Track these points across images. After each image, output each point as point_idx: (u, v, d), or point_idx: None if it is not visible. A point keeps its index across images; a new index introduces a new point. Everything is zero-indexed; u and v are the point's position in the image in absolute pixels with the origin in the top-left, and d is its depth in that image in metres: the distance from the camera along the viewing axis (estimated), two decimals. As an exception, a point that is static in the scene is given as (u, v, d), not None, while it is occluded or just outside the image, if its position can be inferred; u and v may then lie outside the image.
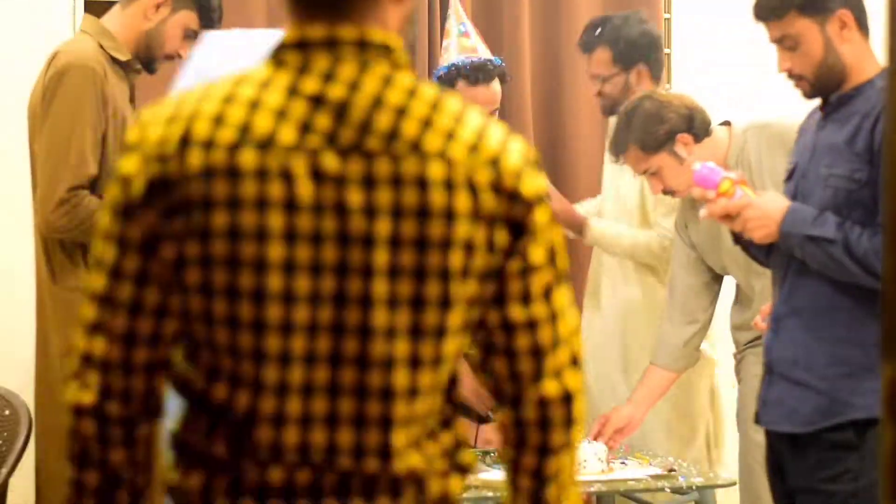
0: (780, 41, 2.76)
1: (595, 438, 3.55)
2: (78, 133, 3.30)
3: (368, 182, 1.47)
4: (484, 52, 4.27)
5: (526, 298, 1.54)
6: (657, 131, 3.42)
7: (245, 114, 1.48)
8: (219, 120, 1.48)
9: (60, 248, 3.24)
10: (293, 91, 1.48)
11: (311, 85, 1.49)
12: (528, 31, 4.73)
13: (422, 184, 1.47)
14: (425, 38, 4.58)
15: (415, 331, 1.50)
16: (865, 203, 2.69)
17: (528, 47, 4.71)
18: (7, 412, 3.44)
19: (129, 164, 1.50)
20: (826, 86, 2.75)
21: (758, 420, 2.89)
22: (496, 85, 4.19)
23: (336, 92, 1.48)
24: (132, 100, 3.52)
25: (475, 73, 4.15)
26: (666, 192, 3.54)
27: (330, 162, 1.47)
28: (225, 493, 1.52)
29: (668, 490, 3.46)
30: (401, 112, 1.49)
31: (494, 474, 3.39)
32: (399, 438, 1.52)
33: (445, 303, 1.50)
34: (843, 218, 2.68)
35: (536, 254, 1.54)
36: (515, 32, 4.67)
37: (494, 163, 1.51)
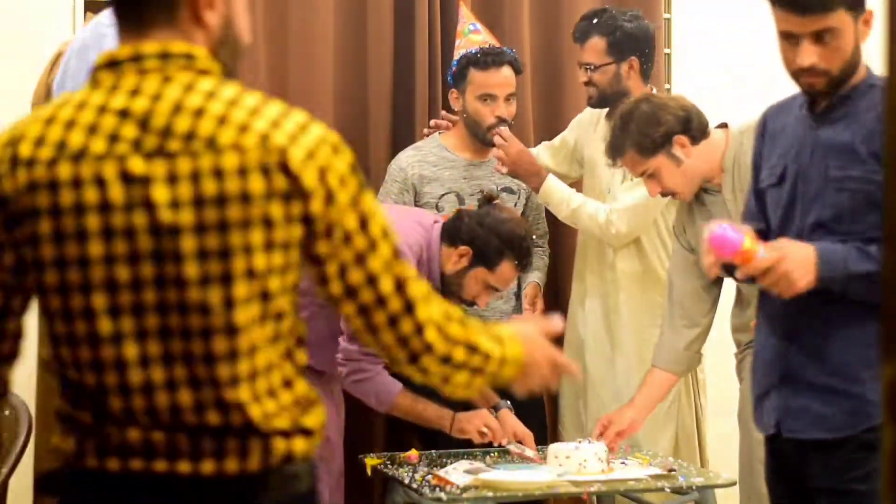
0: (817, 35, 2.64)
1: (597, 439, 3.56)
2: None
3: (172, 179, 1.70)
4: (495, 45, 4.28)
5: (343, 273, 1.79)
6: (654, 134, 3.41)
7: (62, 132, 1.72)
8: (39, 141, 1.73)
9: None
10: (103, 109, 1.73)
11: (118, 101, 1.73)
12: (528, 29, 4.73)
13: (218, 174, 1.70)
14: (425, 40, 4.57)
15: (227, 303, 1.72)
16: (881, 205, 2.60)
17: (528, 44, 4.71)
18: (7, 412, 3.44)
19: None
20: (842, 82, 2.68)
21: (777, 429, 2.78)
22: (508, 70, 4.19)
23: (140, 105, 1.72)
24: None
25: (484, 58, 4.16)
26: (664, 193, 3.54)
27: (136, 165, 1.70)
28: (94, 454, 1.75)
29: (668, 490, 3.46)
30: (198, 113, 1.72)
31: (495, 474, 3.40)
32: (230, 394, 1.73)
33: (251, 274, 1.72)
34: (857, 221, 2.61)
35: (338, 235, 1.77)
36: (515, 29, 4.67)
37: (281, 152, 1.72)
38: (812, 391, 2.71)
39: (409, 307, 1.82)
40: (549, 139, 4.57)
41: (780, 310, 2.73)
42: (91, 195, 1.70)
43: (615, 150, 3.51)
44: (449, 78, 4.32)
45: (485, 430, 3.62)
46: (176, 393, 1.73)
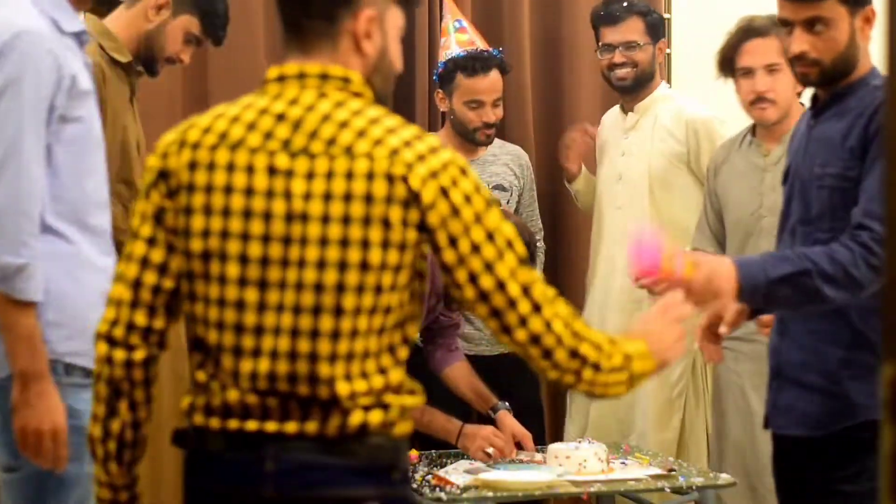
0: (808, 22, 2.66)
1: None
2: None
3: (309, 175, 1.96)
4: (481, 45, 4.28)
5: (474, 280, 1.99)
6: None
7: (226, 125, 2.02)
8: (207, 129, 2.03)
9: None
10: (264, 111, 2.02)
11: (278, 107, 2.02)
12: (528, 27, 4.74)
13: (349, 175, 1.95)
14: (425, 39, 4.57)
15: (339, 287, 1.95)
16: (854, 202, 2.59)
17: (528, 43, 4.71)
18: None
19: (149, 160, 2.06)
20: (834, 77, 2.68)
21: (767, 424, 2.85)
22: (495, 74, 4.20)
23: (295, 112, 2.01)
24: (133, 100, 3.52)
25: (472, 63, 4.17)
26: (760, 97, 3.74)
27: (282, 161, 1.98)
28: (202, 411, 2.01)
29: (668, 490, 3.46)
30: (343, 125, 1.98)
31: (495, 474, 3.40)
32: (324, 369, 1.96)
33: (365, 266, 1.95)
34: (838, 219, 2.60)
35: (464, 245, 1.98)
36: (516, 28, 4.67)
37: (410, 165, 1.96)
38: (798, 388, 2.73)
39: (536, 308, 1.99)
40: (550, 139, 4.58)
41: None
42: (240, 179, 1.98)
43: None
44: (435, 77, 4.33)
45: (490, 450, 3.58)
46: (276, 362, 1.97)
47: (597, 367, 2.02)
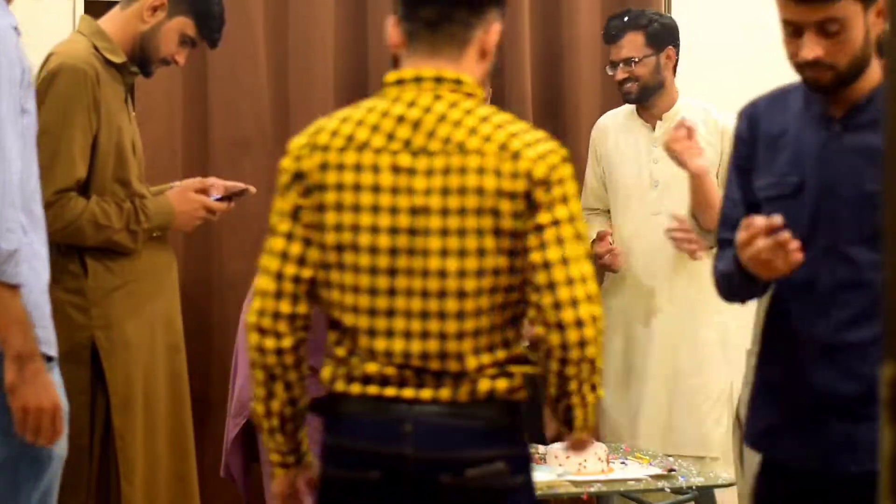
0: (820, 25, 2.38)
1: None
2: (67, 136, 3.29)
3: (429, 172, 2.19)
4: None
5: (543, 246, 2.18)
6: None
7: (352, 128, 2.24)
8: (334, 133, 2.25)
9: (56, 250, 3.22)
10: (386, 114, 2.24)
11: (398, 109, 2.24)
12: (529, 30, 4.73)
13: (462, 171, 2.18)
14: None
15: (460, 273, 2.18)
16: None
17: (528, 46, 4.70)
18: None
19: (284, 162, 2.28)
20: (849, 79, 2.42)
21: (840, 464, 2.44)
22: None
23: (414, 114, 2.23)
24: (129, 101, 3.51)
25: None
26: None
27: (404, 160, 2.21)
28: (343, 379, 2.25)
29: (668, 490, 3.46)
30: (456, 124, 2.21)
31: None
32: (453, 346, 2.20)
33: (481, 252, 2.18)
34: None
35: (546, 217, 2.18)
36: (516, 31, 4.66)
37: (515, 157, 2.18)
38: (869, 422, 2.40)
39: (589, 298, 2.19)
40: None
41: (821, 331, 2.50)
42: (367, 178, 2.21)
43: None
44: None
45: None
46: (409, 341, 2.21)
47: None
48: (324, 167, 2.23)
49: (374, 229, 2.20)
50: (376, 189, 2.21)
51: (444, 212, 2.18)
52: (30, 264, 2.58)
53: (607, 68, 4.35)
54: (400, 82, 2.27)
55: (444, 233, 2.18)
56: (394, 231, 2.20)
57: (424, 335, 2.20)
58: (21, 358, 2.53)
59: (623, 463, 3.60)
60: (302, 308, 2.26)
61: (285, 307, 2.25)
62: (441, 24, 2.25)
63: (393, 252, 2.20)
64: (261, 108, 4.42)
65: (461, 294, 2.19)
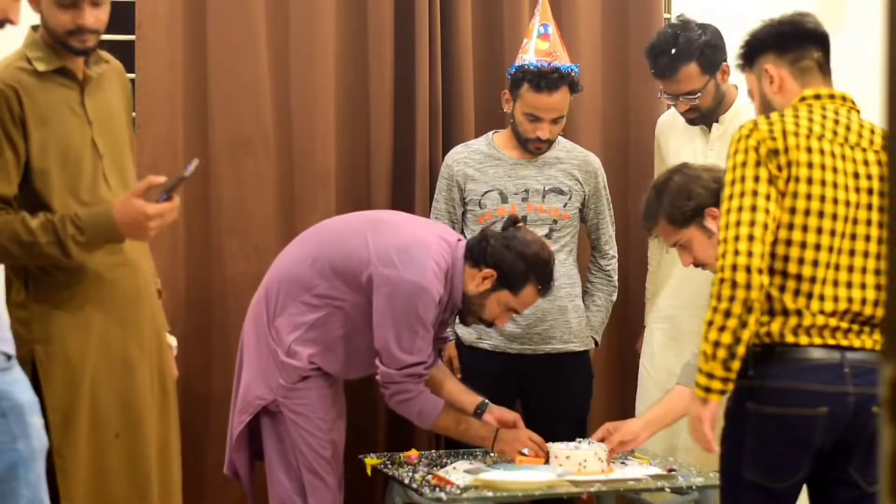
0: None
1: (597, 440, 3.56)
2: None
3: (865, 163, 2.90)
4: (561, 57, 4.20)
5: None
6: (685, 206, 3.40)
7: (807, 123, 2.89)
8: (797, 124, 2.89)
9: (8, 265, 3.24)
10: (824, 116, 2.92)
11: (830, 114, 2.93)
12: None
13: (878, 162, 2.91)
14: (425, 39, 4.57)
15: (879, 240, 2.86)
16: None
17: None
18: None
19: (763, 140, 2.86)
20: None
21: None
22: (562, 93, 4.15)
23: (841, 118, 2.93)
24: (84, 104, 3.37)
25: (538, 80, 4.12)
26: (696, 264, 3.51)
27: (846, 150, 2.89)
28: (791, 331, 2.81)
29: (668, 490, 3.46)
30: (861, 126, 2.93)
31: (495, 474, 3.40)
32: (881, 297, 2.82)
33: (880, 225, 2.85)
34: None
35: None
36: (516, 32, 4.66)
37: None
38: None
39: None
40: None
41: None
42: (827, 161, 2.87)
43: (649, 220, 3.50)
44: (508, 73, 4.28)
45: (526, 451, 3.59)
46: (861, 290, 2.85)
47: None
48: (796, 148, 2.86)
49: (835, 201, 2.85)
50: (834, 170, 2.87)
51: (870, 192, 2.89)
52: None
53: (664, 97, 4.28)
54: (817, 97, 2.98)
55: (869, 208, 2.89)
56: (847, 204, 2.86)
57: (863, 287, 2.85)
58: None
59: (623, 463, 3.60)
60: (766, 259, 2.81)
61: (766, 252, 2.80)
62: (827, 61, 3.05)
63: (846, 220, 2.87)
64: (261, 107, 4.42)
65: (878, 256, 2.87)
